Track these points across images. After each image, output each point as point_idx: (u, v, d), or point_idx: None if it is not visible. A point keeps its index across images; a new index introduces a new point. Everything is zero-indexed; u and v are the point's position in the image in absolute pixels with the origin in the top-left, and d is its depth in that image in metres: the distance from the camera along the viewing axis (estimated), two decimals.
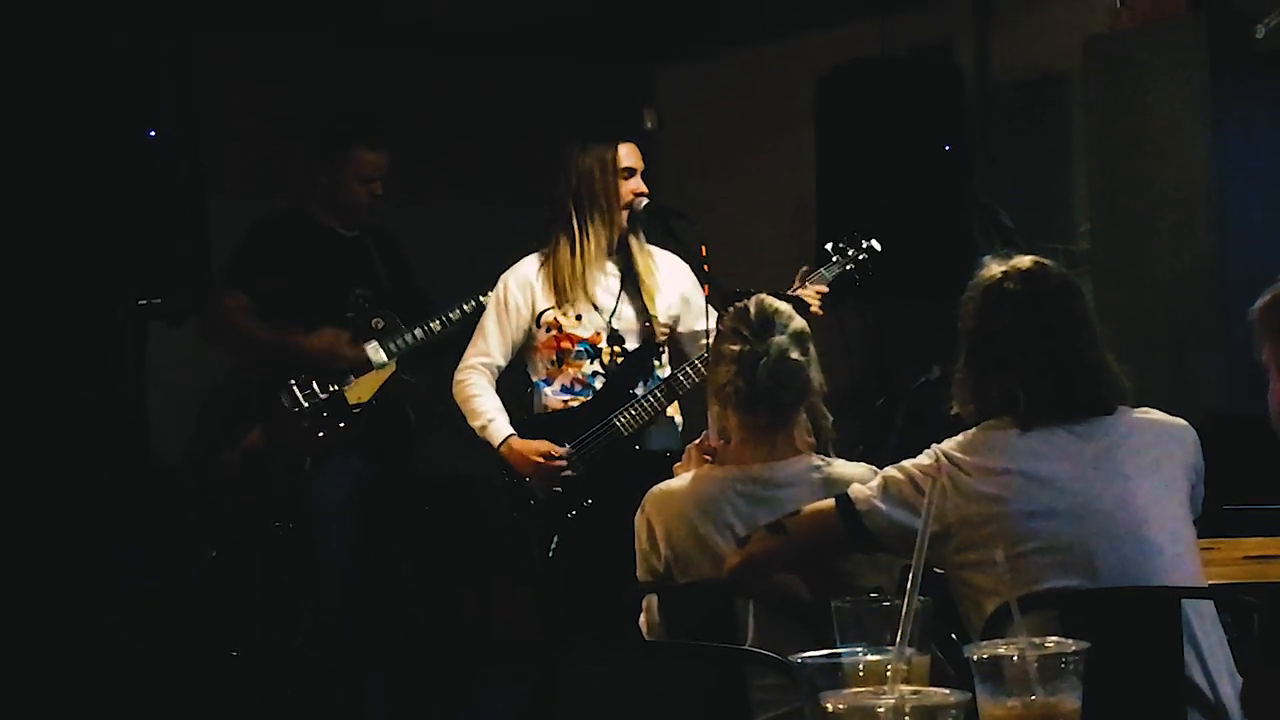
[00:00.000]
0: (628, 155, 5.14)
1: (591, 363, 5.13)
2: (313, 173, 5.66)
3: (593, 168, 5.09)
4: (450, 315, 5.51)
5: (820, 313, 4.93)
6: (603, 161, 5.09)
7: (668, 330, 5.18)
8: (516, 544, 5.25)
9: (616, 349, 5.13)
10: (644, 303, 5.15)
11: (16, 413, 5.26)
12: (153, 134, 5.37)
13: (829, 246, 5.19)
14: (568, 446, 5.03)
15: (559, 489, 5.04)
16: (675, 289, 5.21)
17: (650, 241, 5.25)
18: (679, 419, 5.18)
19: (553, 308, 5.12)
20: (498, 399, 5.14)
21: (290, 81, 6.92)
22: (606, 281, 5.15)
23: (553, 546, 5.02)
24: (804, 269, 5.05)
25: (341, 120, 5.81)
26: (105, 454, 5.42)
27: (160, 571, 5.66)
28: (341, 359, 5.52)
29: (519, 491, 5.09)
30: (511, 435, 5.07)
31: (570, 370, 5.14)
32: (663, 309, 5.17)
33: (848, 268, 5.14)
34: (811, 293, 4.94)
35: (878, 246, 5.15)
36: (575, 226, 5.09)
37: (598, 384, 5.12)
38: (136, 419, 5.50)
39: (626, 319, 5.15)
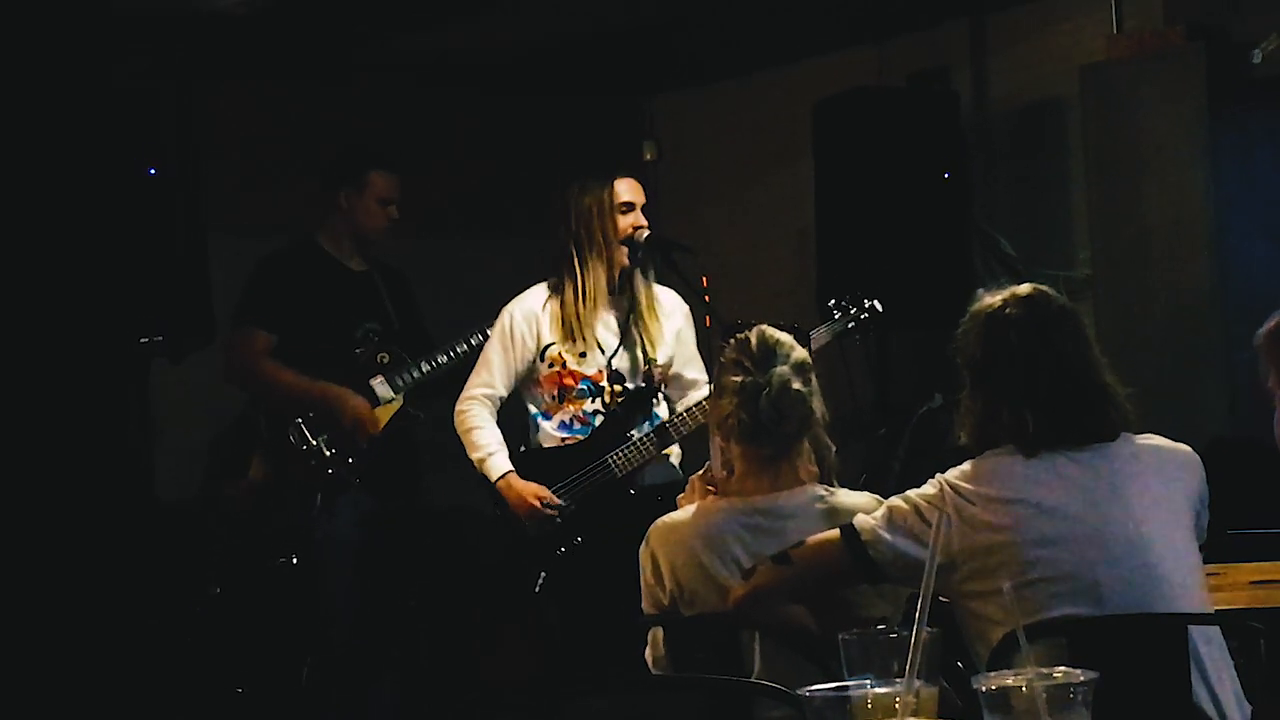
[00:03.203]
0: (626, 190, 5.15)
1: (593, 401, 5.13)
2: (330, 204, 5.66)
3: (591, 207, 5.09)
4: (456, 349, 5.51)
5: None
6: (600, 200, 5.10)
7: (666, 372, 5.19)
8: (511, 579, 5.25)
9: (617, 388, 5.13)
10: (646, 344, 5.15)
11: (18, 451, 5.26)
12: (153, 171, 5.38)
13: (831, 304, 5.24)
14: (561, 498, 5.03)
15: (549, 528, 5.05)
16: (672, 328, 5.21)
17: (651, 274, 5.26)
18: (677, 453, 5.19)
19: (557, 343, 5.12)
20: (499, 432, 5.14)
21: (289, 119, 6.93)
22: (610, 320, 5.15)
23: (539, 582, 5.02)
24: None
25: (355, 147, 5.87)
26: (110, 492, 5.41)
27: (165, 608, 5.65)
28: (360, 426, 5.49)
29: (512, 525, 5.10)
30: (510, 472, 5.07)
31: (571, 407, 5.14)
32: (662, 352, 5.18)
33: (849, 326, 5.22)
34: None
35: (879, 307, 5.22)
36: (577, 266, 5.09)
37: (597, 422, 5.12)
38: (140, 456, 5.50)
39: (628, 359, 5.15)
